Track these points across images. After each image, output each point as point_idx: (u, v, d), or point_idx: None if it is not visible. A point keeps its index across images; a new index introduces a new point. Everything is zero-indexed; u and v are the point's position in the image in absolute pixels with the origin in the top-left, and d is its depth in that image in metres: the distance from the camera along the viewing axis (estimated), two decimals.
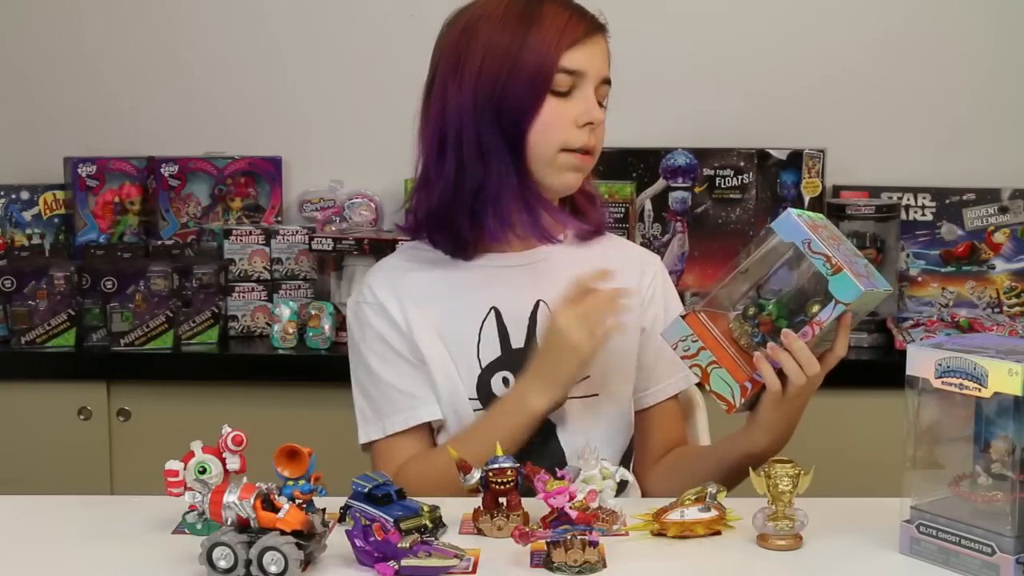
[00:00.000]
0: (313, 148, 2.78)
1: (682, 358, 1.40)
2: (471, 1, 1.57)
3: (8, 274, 2.45)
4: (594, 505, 1.26)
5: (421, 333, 1.57)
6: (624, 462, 1.61)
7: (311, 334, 2.47)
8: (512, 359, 1.57)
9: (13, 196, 2.65)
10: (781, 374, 1.37)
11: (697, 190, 2.63)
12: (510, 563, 1.20)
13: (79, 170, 2.65)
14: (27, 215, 2.66)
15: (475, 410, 1.56)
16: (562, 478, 1.24)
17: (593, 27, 1.54)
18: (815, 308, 1.35)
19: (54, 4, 2.78)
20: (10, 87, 2.80)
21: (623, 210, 2.47)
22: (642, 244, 2.55)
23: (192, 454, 1.29)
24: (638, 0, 2.72)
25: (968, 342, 1.20)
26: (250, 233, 2.59)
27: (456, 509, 1.32)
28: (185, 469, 1.28)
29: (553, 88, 1.50)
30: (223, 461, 1.29)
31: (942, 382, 1.17)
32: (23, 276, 2.45)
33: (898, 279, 2.61)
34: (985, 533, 1.15)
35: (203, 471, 1.28)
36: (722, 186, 2.63)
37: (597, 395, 1.57)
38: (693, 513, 1.26)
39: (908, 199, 2.64)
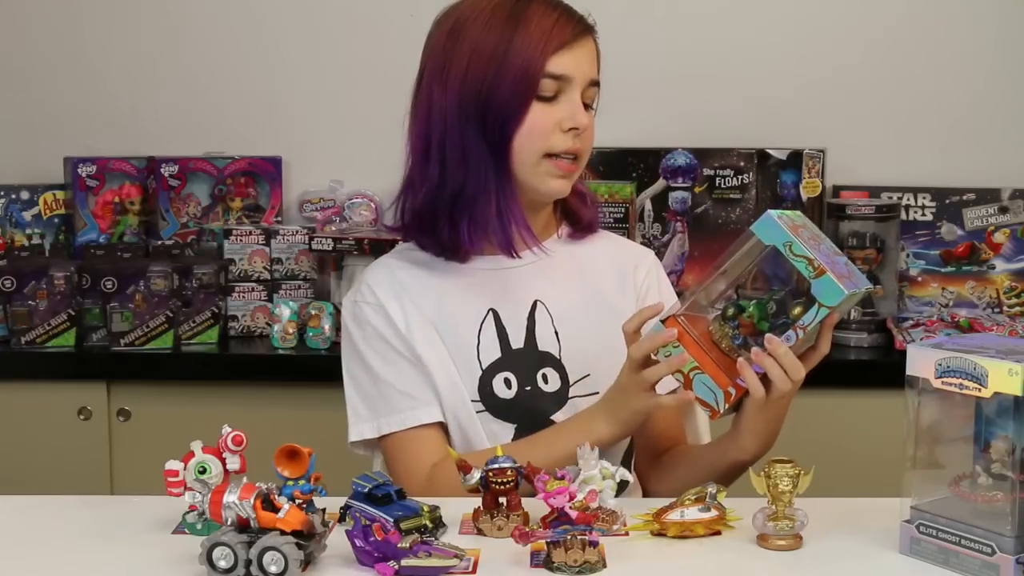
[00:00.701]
0: (313, 148, 2.78)
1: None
2: (460, 0, 1.55)
3: (8, 274, 2.45)
4: (594, 505, 1.26)
5: (421, 334, 1.57)
6: (625, 460, 1.61)
7: (311, 334, 2.47)
8: (512, 360, 1.57)
9: (13, 196, 2.65)
10: (764, 378, 1.37)
11: (697, 190, 2.63)
12: (510, 563, 1.20)
13: (79, 170, 2.65)
14: (27, 215, 2.66)
15: (477, 412, 1.56)
16: (562, 478, 1.24)
17: (580, 29, 1.52)
18: (797, 310, 1.34)
19: (54, 4, 2.78)
20: (10, 87, 2.80)
21: (623, 210, 2.47)
22: (642, 244, 2.54)
23: (192, 454, 1.29)
24: (638, 1, 2.72)
25: (968, 342, 1.20)
26: (250, 233, 2.59)
27: (456, 509, 1.32)
28: (185, 469, 1.28)
29: (539, 93, 1.49)
30: (223, 461, 1.28)
31: (942, 382, 1.17)
32: (23, 276, 2.45)
33: (898, 279, 2.61)
34: (985, 533, 1.15)
35: (203, 471, 1.28)
36: (722, 186, 2.63)
37: (599, 393, 1.57)
38: (693, 513, 1.26)
39: (908, 199, 2.64)
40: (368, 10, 2.75)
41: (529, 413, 1.55)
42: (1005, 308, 2.62)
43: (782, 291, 1.38)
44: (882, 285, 2.55)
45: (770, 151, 2.63)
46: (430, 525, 1.25)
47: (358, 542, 1.17)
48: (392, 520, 1.22)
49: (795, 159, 2.61)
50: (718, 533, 1.27)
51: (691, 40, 2.73)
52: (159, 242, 2.64)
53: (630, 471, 1.57)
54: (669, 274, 2.13)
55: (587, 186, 1.68)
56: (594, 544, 1.18)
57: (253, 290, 2.58)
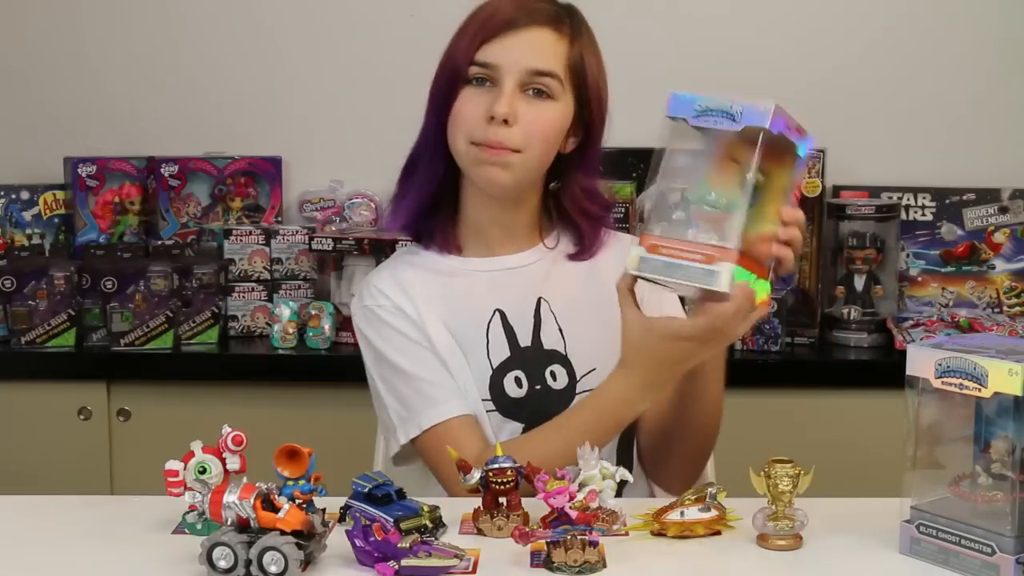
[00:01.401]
0: (313, 148, 2.78)
1: (659, 283, 1.32)
2: None
3: (8, 274, 2.45)
4: (594, 505, 1.25)
5: (435, 332, 1.57)
6: (626, 447, 1.61)
7: (311, 334, 2.47)
8: (522, 358, 1.57)
9: (13, 196, 2.65)
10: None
11: None
12: (510, 563, 1.20)
13: (79, 170, 2.65)
14: (27, 215, 2.66)
15: (488, 411, 1.56)
16: (562, 478, 1.24)
17: (522, 19, 1.52)
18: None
19: (54, 4, 2.78)
20: (10, 87, 2.80)
21: (623, 210, 2.47)
22: None
23: (192, 454, 1.29)
24: (638, 1, 2.72)
25: (968, 342, 1.19)
26: (250, 233, 2.59)
27: (456, 509, 1.32)
28: (185, 469, 1.28)
29: (467, 78, 1.52)
30: (223, 461, 1.28)
31: (942, 382, 1.17)
32: (23, 276, 2.45)
33: (898, 279, 2.61)
34: (985, 533, 1.15)
35: (203, 471, 1.28)
36: None
37: None
38: (693, 513, 1.26)
39: (908, 199, 2.64)
40: (368, 10, 2.75)
41: (538, 411, 1.55)
42: (1005, 308, 2.62)
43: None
44: (882, 285, 2.55)
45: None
46: (430, 525, 1.25)
47: (358, 542, 1.17)
48: (392, 520, 1.22)
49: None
50: (718, 533, 1.27)
51: (691, 40, 2.73)
52: (159, 242, 2.65)
53: (631, 470, 1.57)
54: None
55: (604, 206, 1.65)
56: (594, 544, 1.18)
57: (253, 290, 2.58)
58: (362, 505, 1.26)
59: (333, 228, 2.62)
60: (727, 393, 1.55)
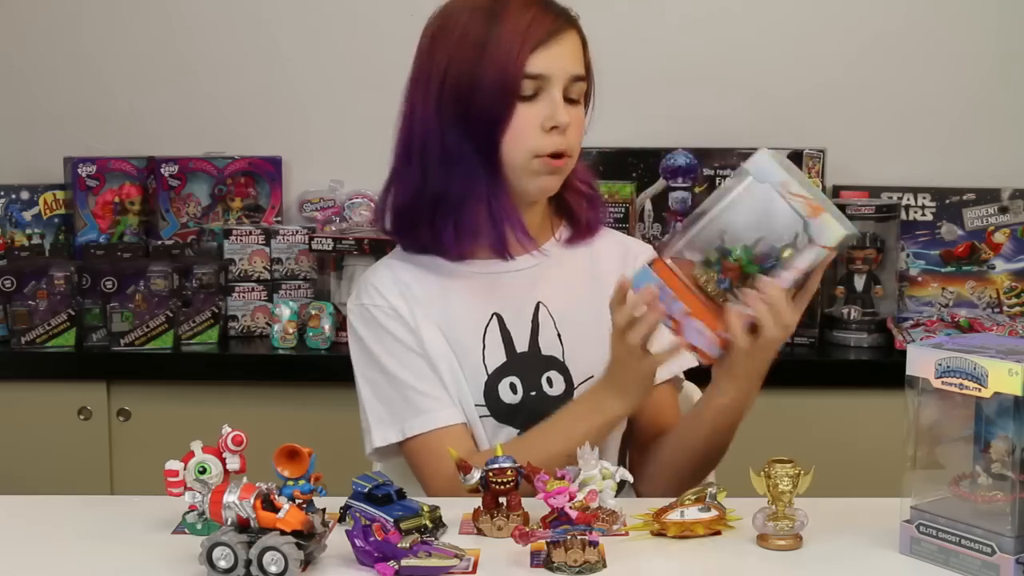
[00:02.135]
0: (313, 148, 2.78)
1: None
2: (445, 3, 1.55)
3: (8, 274, 2.45)
4: (594, 505, 1.26)
5: (429, 335, 1.56)
6: (624, 449, 1.61)
7: (311, 334, 2.47)
8: (518, 364, 1.56)
9: (13, 196, 2.65)
10: (752, 326, 1.34)
11: (697, 190, 2.63)
12: (510, 563, 1.20)
13: (79, 170, 2.65)
14: (27, 215, 2.66)
15: (481, 416, 1.55)
16: (562, 478, 1.24)
17: (558, 25, 1.50)
18: (788, 252, 1.31)
19: (54, 4, 2.78)
20: (10, 87, 2.80)
21: (623, 210, 2.47)
22: None
23: (192, 454, 1.29)
24: (639, 1, 2.72)
25: (968, 342, 1.19)
26: (250, 233, 2.59)
27: (456, 509, 1.32)
28: (185, 469, 1.28)
29: (520, 94, 1.48)
30: (223, 461, 1.28)
31: (942, 382, 1.17)
32: (23, 276, 2.45)
33: (898, 279, 2.61)
34: (985, 533, 1.15)
35: (203, 471, 1.28)
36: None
37: None
38: (693, 513, 1.26)
39: (908, 199, 2.64)
40: (368, 10, 2.75)
41: (533, 418, 1.54)
42: (1005, 308, 2.62)
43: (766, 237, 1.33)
44: (882, 285, 2.55)
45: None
46: (430, 525, 1.25)
47: (358, 542, 1.17)
48: (392, 520, 1.22)
49: (795, 159, 2.61)
50: (718, 533, 1.27)
51: (691, 40, 2.73)
52: (159, 242, 2.65)
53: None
54: None
55: (595, 186, 1.66)
56: (594, 544, 1.18)
57: (253, 290, 2.58)
58: (362, 505, 1.26)
59: (333, 228, 2.62)
60: None
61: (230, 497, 1.15)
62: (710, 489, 1.27)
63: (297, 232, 2.61)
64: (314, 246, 2.53)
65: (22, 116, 2.80)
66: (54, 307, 2.45)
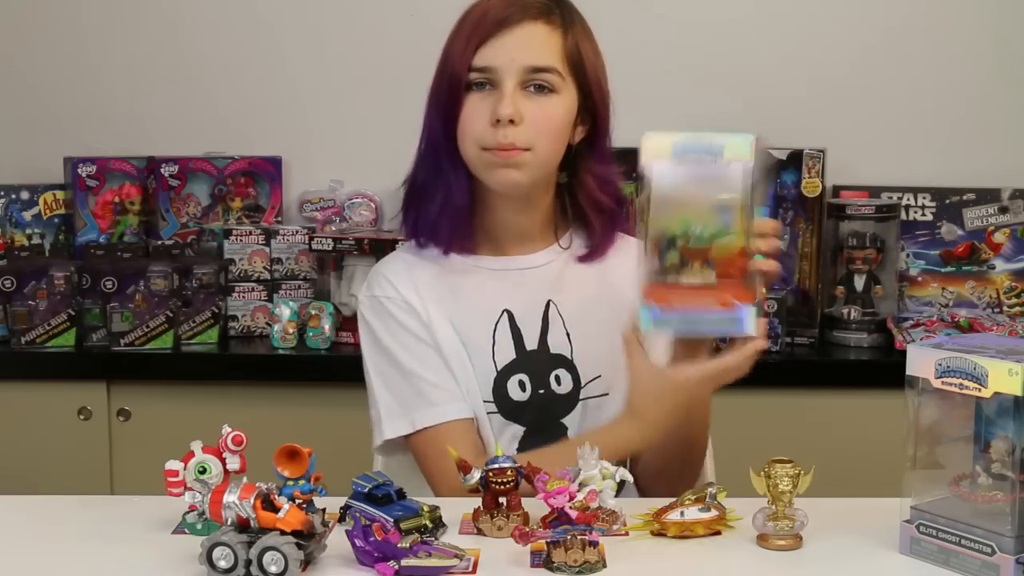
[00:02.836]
0: (313, 148, 2.78)
1: (683, 344, 1.37)
2: None
3: (8, 274, 2.45)
4: (594, 505, 1.26)
5: (441, 330, 1.56)
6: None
7: (311, 334, 2.47)
8: (527, 361, 1.56)
9: (13, 196, 2.65)
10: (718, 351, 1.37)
11: None
12: (510, 563, 1.20)
13: (79, 170, 2.65)
14: (27, 215, 2.66)
15: (488, 413, 1.55)
16: (562, 478, 1.24)
17: (513, 15, 1.49)
18: (724, 196, 1.31)
19: (54, 4, 2.78)
20: (10, 87, 2.80)
21: (623, 210, 2.47)
22: None
23: (192, 454, 1.29)
24: (639, 1, 2.72)
25: (968, 342, 1.19)
26: (250, 233, 2.59)
27: (456, 509, 1.32)
28: (185, 469, 1.28)
29: (470, 83, 1.50)
30: (223, 461, 1.28)
31: (942, 382, 1.17)
32: (23, 276, 2.46)
33: (898, 279, 2.61)
34: (985, 533, 1.15)
35: (203, 471, 1.28)
36: None
37: (608, 394, 1.57)
38: (693, 513, 1.26)
39: (908, 199, 2.64)
40: (368, 10, 2.75)
41: (540, 415, 1.55)
42: (1005, 308, 2.62)
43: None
44: (882, 285, 2.55)
45: (770, 151, 2.63)
46: (430, 525, 1.25)
47: (358, 542, 1.17)
48: (392, 520, 1.22)
49: (795, 159, 2.61)
50: (718, 533, 1.27)
51: (691, 40, 2.73)
52: (159, 242, 2.65)
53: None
54: None
55: (621, 198, 1.64)
56: (594, 544, 1.18)
57: (253, 290, 2.58)
58: (362, 505, 1.26)
59: (333, 228, 2.62)
60: (726, 393, 1.55)
61: (230, 497, 1.15)
62: (710, 489, 1.27)
63: (297, 232, 2.61)
64: (314, 246, 2.53)
65: (22, 116, 2.80)
66: (54, 307, 2.45)
